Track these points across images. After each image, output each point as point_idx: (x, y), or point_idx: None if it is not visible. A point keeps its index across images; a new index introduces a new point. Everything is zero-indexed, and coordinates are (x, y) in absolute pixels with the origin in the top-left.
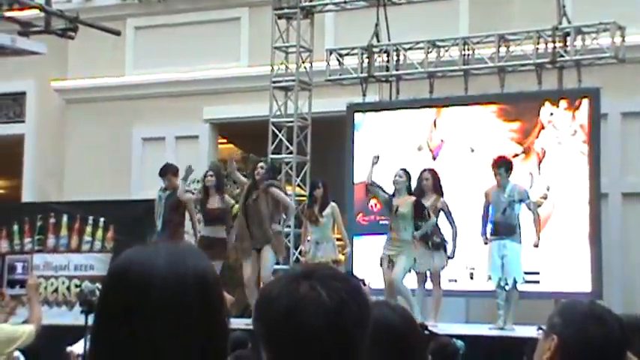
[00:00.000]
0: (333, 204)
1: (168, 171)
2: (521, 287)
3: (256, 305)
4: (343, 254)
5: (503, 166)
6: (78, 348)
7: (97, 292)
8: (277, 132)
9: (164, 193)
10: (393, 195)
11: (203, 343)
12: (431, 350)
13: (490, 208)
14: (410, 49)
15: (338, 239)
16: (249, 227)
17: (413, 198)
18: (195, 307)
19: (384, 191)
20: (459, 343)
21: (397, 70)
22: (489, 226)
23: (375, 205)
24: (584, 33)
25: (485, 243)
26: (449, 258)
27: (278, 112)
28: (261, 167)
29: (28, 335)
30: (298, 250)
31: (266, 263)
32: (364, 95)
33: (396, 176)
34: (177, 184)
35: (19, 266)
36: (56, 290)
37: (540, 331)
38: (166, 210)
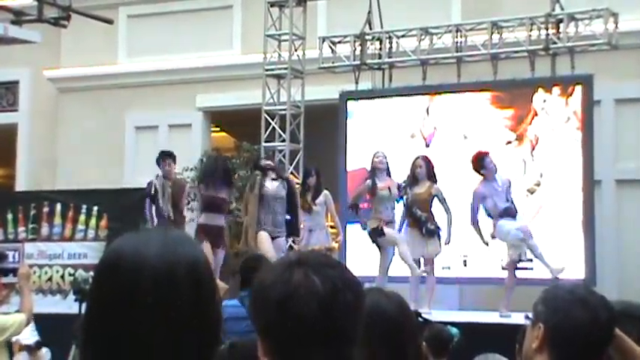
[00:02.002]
0: (326, 192)
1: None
2: (516, 274)
3: (251, 294)
4: (336, 242)
5: (485, 159)
6: (23, 336)
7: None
8: (270, 120)
9: (166, 181)
10: (375, 176)
11: (195, 332)
12: (425, 337)
13: (491, 202)
14: (402, 36)
15: (331, 227)
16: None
17: (394, 181)
18: (186, 295)
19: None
20: (454, 330)
21: (390, 57)
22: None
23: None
24: (577, 20)
25: (493, 237)
26: (445, 244)
27: (271, 100)
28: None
29: (18, 325)
30: (292, 239)
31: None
32: (357, 83)
33: (380, 157)
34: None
35: (11, 255)
36: (50, 279)
37: (528, 320)
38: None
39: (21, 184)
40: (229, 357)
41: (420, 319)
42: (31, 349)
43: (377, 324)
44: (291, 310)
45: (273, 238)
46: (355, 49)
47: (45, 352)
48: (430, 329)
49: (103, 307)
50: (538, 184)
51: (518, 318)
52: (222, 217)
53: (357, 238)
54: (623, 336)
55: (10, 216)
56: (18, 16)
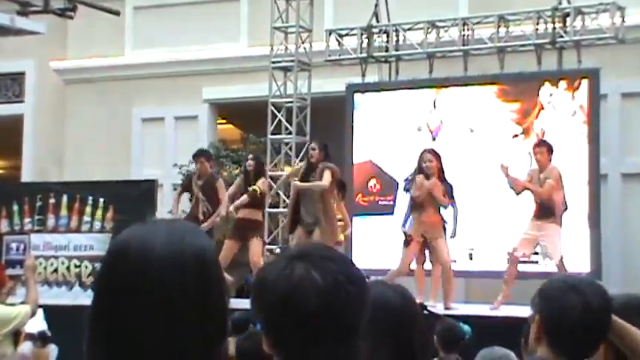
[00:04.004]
0: None
1: (201, 155)
2: (521, 267)
3: (253, 290)
4: (344, 235)
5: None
6: (28, 326)
7: None
8: (276, 112)
9: (198, 179)
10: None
11: (202, 322)
12: (437, 332)
13: None
14: (409, 29)
15: (339, 220)
16: (299, 209)
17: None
18: (192, 285)
19: None
20: (466, 327)
21: (396, 50)
22: None
23: (375, 185)
24: (583, 13)
25: None
26: (450, 237)
27: (277, 93)
28: (312, 148)
29: (23, 316)
30: None
31: None
32: (363, 76)
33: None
34: (208, 170)
35: (17, 246)
36: (56, 270)
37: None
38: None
39: (27, 176)
40: (243, 345)
41: (425, 311)
42: (34, 339)
43: (381, 316)
44: (292, 305)
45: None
46: (362, 41)
47: (52, 348)
48: (442, 325)
49: (110, 296)
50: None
51: (522, 311)
52: (257, 211)
53: (363, 231)
54: (620, 321)
55: (15, 207)
56: (24, 7)
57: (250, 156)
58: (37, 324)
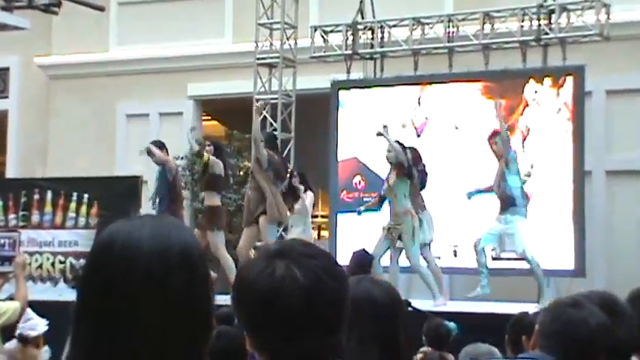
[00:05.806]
0: (309, 193)
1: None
2: (506, 264)
3: (234, 290)
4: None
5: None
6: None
7: None
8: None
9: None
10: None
11: (187, 318)
12: (424, 331)
13: None
14: (394, 26)
15: (322, 216)
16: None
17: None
18: (178, 281)
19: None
20: (452, 325)
21: (382, 47)
22: None
23: (360, 182)
24: (568, 10)
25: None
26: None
27: (262, 89)
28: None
29: (13, 312)
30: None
31: (263, 235)
32: (348, 72)
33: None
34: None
35: (6, 243)
36: (40, 266)
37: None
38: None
39: (11, 171)
40: (215, 344)
41: (410, 308)
42: (26, 342)
43: (368, 312)
44: (276, 305)
45: None
46: (347, 38)
47: (44, 350)
48: (429, 323)
49: (95, 292)
50: (529, 175)
51: (507, 308)
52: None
53: (348, 227)
54: None
55: (0, 203)
56: (8, 2)
57: (207, 142)
58: (34, 325)
